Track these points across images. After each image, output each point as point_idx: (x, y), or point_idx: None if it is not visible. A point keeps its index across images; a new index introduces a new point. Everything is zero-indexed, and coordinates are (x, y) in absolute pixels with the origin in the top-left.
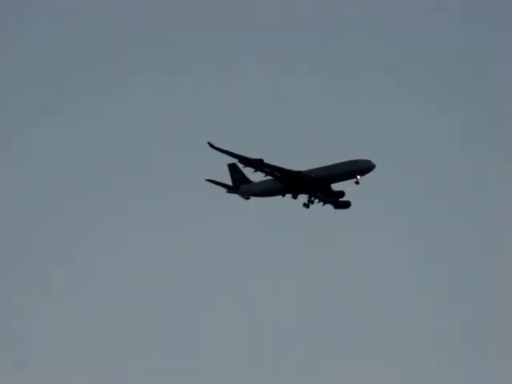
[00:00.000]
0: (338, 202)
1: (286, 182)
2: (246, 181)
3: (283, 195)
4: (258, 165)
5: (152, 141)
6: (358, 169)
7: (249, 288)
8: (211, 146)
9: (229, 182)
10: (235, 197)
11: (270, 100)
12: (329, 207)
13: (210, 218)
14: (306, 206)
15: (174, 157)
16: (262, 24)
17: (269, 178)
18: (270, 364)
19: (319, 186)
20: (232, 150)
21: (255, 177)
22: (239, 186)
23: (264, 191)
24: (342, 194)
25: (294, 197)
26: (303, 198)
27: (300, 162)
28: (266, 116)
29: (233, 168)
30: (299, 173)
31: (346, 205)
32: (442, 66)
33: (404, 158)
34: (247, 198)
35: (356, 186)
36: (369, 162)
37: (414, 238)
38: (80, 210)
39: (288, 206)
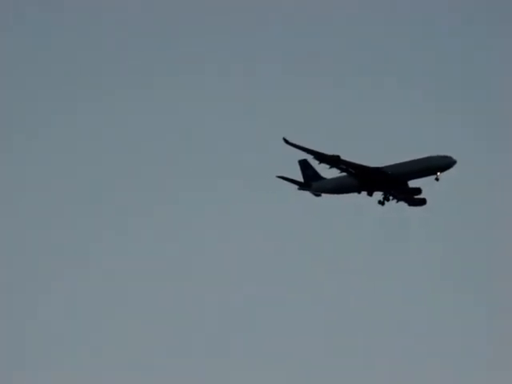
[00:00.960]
0: (413, 199)
1: (361, 179)
2: (318, 177)
3: (359, 192)
4: (333, 161)
5: (220, 137)
6: (437, 165)
7: (322, 286)
8: (286, 142)
9: (300, 178)
10: (307, 194)
11: (344, 96)
12: (403, 204)
13: (284, 215)
14: (382, 203)
15: (245, 154)
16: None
17: (343, 174)
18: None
19: (396, 182)
20: (307, 146)
21: (328, 174)
22: (311, 182)
23: (338, 188)
24: (418, 191)
25: (370, 194)
26: (378, 195)
27: (375, 158)
28: (338, 112)
29: (304, 164)
30: (377, 169)
31: (422, 202)
32: None
33: (485, 156)
34: (318, 195)
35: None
36: (449, 157)
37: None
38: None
39: (362, 203)
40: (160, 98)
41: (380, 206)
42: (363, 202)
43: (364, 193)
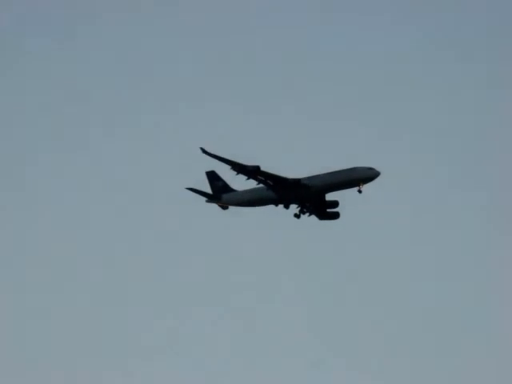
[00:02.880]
0: (327, 212)
1: (280, 191)
2: (229, 189)
3: (276, 205)
4: (253, 172)
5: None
6: (360, 177)
7: (233, 302)
8: (204, 151)
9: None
10: (216, 206)
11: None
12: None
13: (205, 229)
14: (297, 216)
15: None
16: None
17: (258, 186)
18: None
19: (316, 195)
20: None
21: (239, 185)
22: (221, 194)
23: (254, 200)
24: (336, 204)
25: (286, 206)
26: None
27: (293, 169)
28: (253, 120)
29: (212, 176)
30: (297, 181)
31: (335, 216)
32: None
33: (409, 167)
34: (226, 208)
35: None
36: (372, 169)
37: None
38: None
39: (277, 215)
40: None
41: (296, 219)
42: (278, 215)
43: (277, 205)
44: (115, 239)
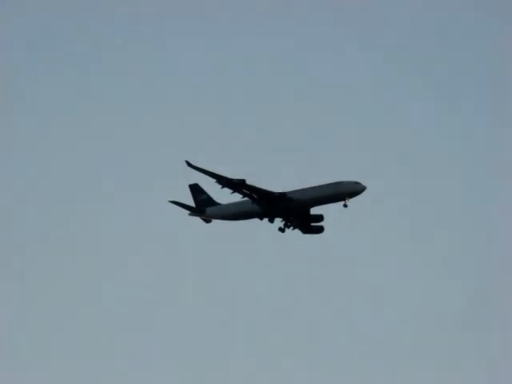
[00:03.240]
0: (311, 226)
1: (265, 205)
2: (212, 203)
3: (261, 218)
4: (238, 186)
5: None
6: (346, 191)
7: (215, 314)
8: (189, 165)
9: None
10: (198, 219)
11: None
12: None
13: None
14: (282, 230)
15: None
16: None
17: (243, 200)
18: None
19: (301, 209)
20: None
21: (223, 199)
22: (204, 208)
23: (239, 214)
24: (321, 218)
25: (271, 220)
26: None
27: (278, 183)
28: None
29: (195, 189)
30: (282, 195)
31: (319, 230)
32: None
33: (398, 182)
34: (209, 222)
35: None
36: (358, 183)
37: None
38: None
39: (261, 229)
40: None
41: (280, 232)
42: (262, 228)
43: (261, 219)
44: (95, 251)
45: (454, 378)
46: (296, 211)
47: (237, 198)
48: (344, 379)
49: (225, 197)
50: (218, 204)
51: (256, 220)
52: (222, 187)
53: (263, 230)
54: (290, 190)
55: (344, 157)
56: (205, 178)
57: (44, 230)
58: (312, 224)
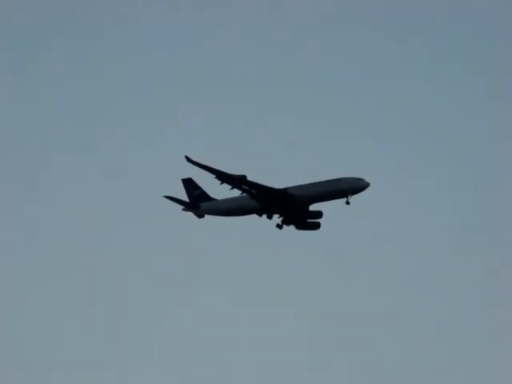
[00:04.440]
0: (307, 222)
1: (264, 201)
2: (207, 198)
3: (260, 215)
4: (238, 181)
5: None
6: (349, 187)
7: (209, 312)
8: (189, 160)
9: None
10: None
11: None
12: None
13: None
14: (280, 226)
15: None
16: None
17: (240, 195)
18: None
19: (301, 205)
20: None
21: (217, 194)
22: (199, 203)
23: (235, 210)
24: (320, 214)
25: (269, 217)
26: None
27: (277, 178)
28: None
29: (189, 184)
30: (283, 191)
31: (315, 226)
32: None
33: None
34: (202, 217)
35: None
36: (361, 180)
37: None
38: None
39: (257, 225)
40: None
41: (278, 229)
42: (258, 224)
43: (262, 215)
44: (88, 247)
45: (454, 377)
46: (296, 208)
47: (232, 193)
48: (343, 376)
49: (218, 192)
50: (213, 199)
51: (252, 216)
52: (222, 183)
53: (260, 226)
54: (291, 185)
55: (345, 153)
56: (198, 173)
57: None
58: (308, 220)
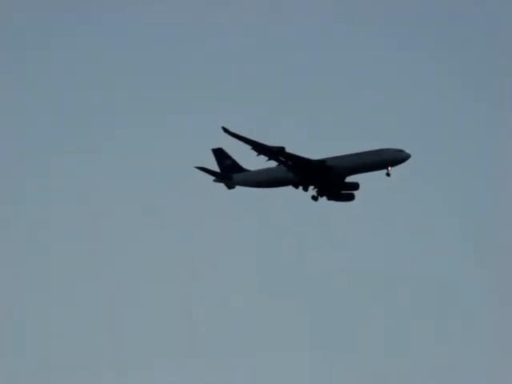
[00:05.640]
0: (341, 194)
1: (301, 173)
2: (239, 169)
3: (296, 187)
4: (276, 153)
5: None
6: (389, 159)
7: (236, 286)
8: (226, 130)
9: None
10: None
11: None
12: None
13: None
14: (315, 198)
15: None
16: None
17: (273, 166)
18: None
19: (339, 177)
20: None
21: (248, 165)
22: (231, 174)
23: (271, 182)
24: (356, 186)
25: (305, 189)
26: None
27: (313, 149)
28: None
29: (220, 154)
30: (322, 162)
31: (350, 197)
32: None
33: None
34: (232, 188)
35: None
36: (402, 151)
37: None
38: None
39: (293, 197)
40: None
41: (313, 201)
42: (294, 196)
43: (298, 187)
44: (117, 219)
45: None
46: (334, 179)
47: (264, 164)
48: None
49: (250, 162)
50: (246, 170)
51: (286, 188)
52: (258, 154)
53: (295, 198)
54: (326, 156)
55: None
56: (229, 144)
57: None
58: (343, 192)
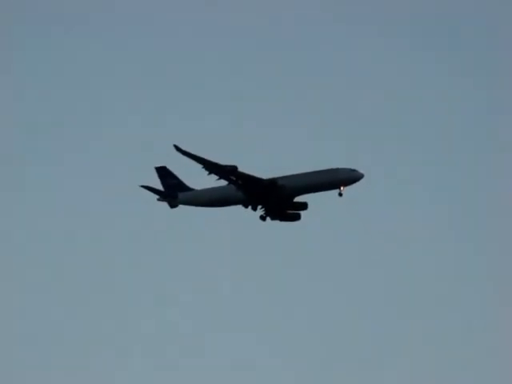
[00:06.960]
0: (287, 214)
1: (251, 192)
2: (183, 187)
3: (246, 206)
4: (227, 172)
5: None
6: (342, 178)
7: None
8: (178, 149)
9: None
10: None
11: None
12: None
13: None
14: (263, 218)
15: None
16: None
17: (222, 185)
18: None
19: (289, 196)
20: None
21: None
22: (175, 192)
23: (218, 201)
24: (305, 206)
25: (254, 208)
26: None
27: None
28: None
29: (163, 172)
30: (273, 182)
31: (295, 217)
32: None
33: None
34: (175, 207)
35: None
36: (355, 171)
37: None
38: None
39: (240, 217)
40: None
41: (261, 221)
42: (241, 216)
43: (248, 206)
44: (56, 237)
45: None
46: (283, 199)
47: (209, 184)
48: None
49: (194, 181)
50: (191, 189)
51: (232, 207)
52: (209, 173)
53: (243, 218)
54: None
55: (344, 152)
56: (172, 161)
57: None
58: (289, 211)
